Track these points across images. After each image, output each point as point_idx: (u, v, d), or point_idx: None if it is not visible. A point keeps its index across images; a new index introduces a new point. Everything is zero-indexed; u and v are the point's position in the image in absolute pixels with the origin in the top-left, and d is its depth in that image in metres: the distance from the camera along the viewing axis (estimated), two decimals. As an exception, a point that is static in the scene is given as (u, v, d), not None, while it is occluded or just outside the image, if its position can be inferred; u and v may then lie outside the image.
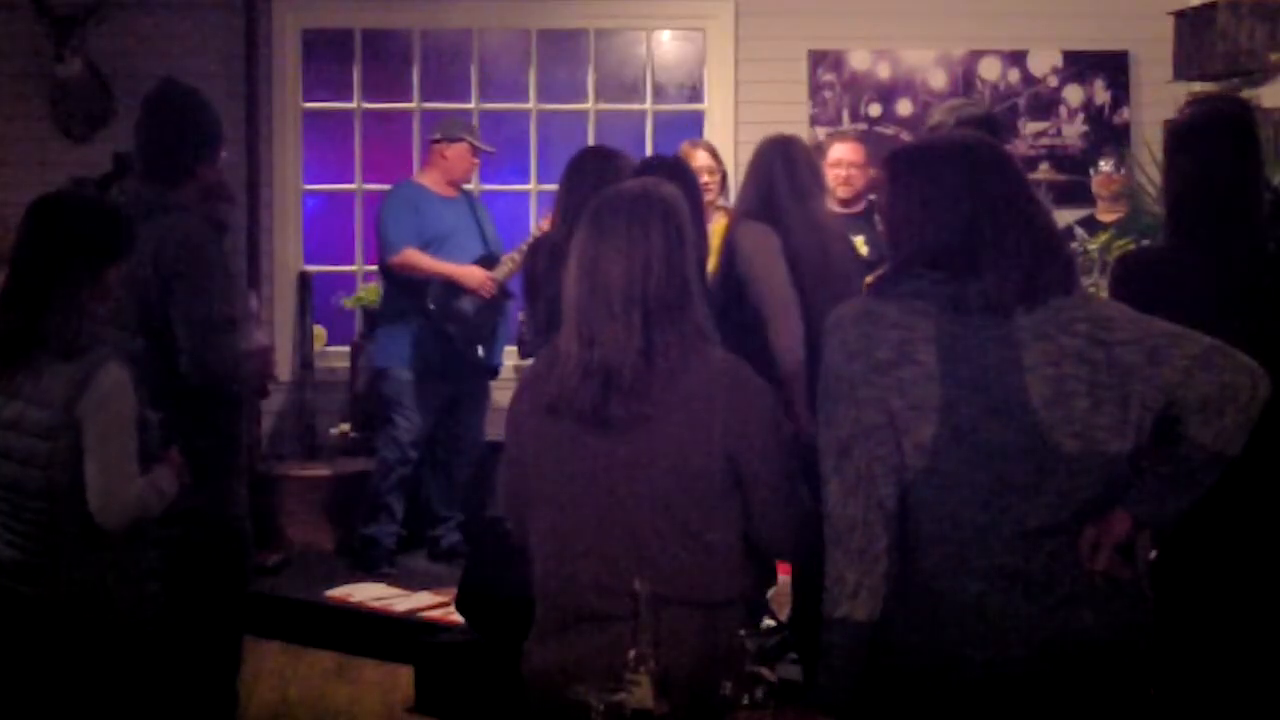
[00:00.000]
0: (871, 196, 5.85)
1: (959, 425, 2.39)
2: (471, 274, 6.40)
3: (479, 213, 6.68)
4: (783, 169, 4.53)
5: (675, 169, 3.87)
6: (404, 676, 5.26)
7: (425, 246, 6.38)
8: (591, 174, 4.17)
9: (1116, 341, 2.41)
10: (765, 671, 2.39)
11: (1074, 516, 2.40)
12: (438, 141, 6.64)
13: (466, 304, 6.40)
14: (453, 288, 6.36)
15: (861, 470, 2.41)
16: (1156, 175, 5.20)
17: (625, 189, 2.80)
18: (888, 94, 7.52)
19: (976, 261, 2.43)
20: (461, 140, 6.59)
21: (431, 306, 6.34)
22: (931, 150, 2.63)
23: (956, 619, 2.40)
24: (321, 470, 7.01)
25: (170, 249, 3.75)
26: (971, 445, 2.39)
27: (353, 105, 7.63)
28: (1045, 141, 7.55)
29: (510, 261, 6.40)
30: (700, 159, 5.95)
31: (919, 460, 2.40)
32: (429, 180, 6.63)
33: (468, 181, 6.80)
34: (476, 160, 6.71)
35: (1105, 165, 6.62)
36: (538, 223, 6.78)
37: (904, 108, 7.48)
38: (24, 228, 3.26)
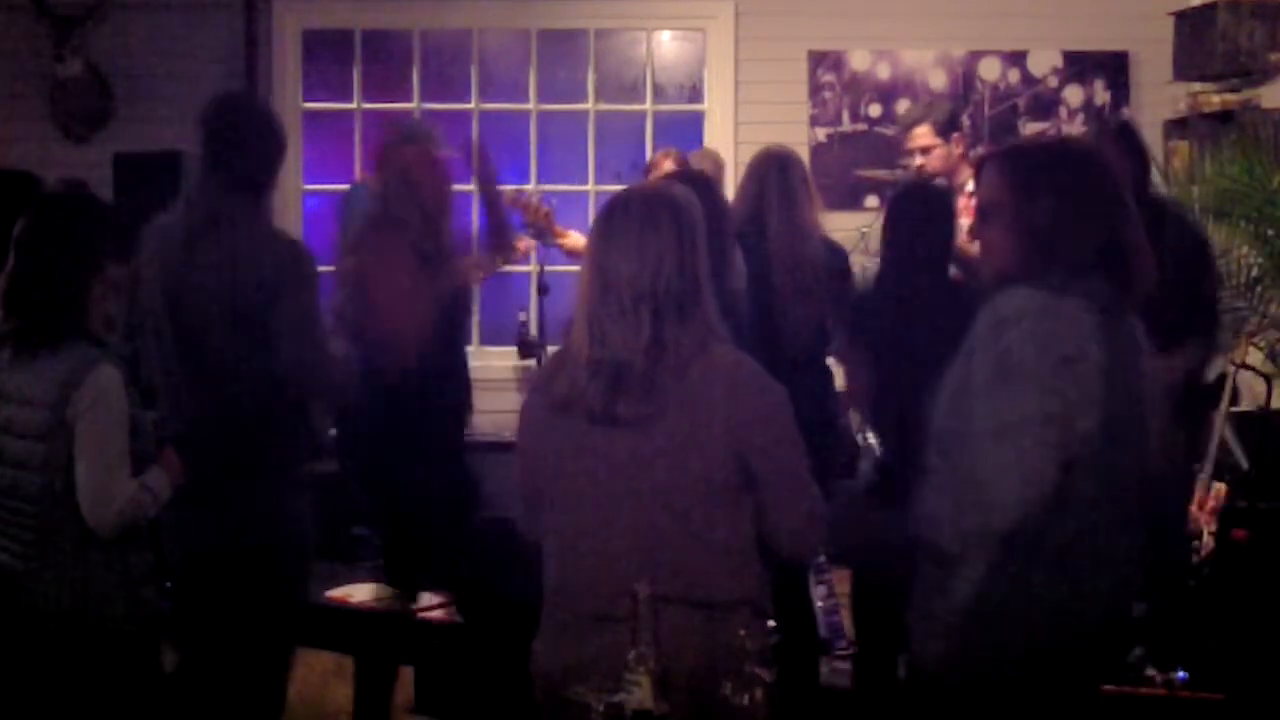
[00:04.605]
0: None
1: (1111, 418, 2.55)
2: None
3: None
4: (777, 176, 4.58)
5: (694, 179, 3.89)
6: (404, 676, 5.25)
7: None
8: None
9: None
10: (765, 672, 2.39)
11: None
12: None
13: None
14: None
15: (1025, 451, 2.51)
16: (1156, 174, 5.23)
17: (636, 190, 2.81)
18: (888, 94, 7.52)
19: (1125, 264, 2.59)
20: None
21: None
22: (1063, 154, 2.75)
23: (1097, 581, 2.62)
24: (321, 470, 6.98)
25: (275, 260, 3.75)
26: (1115, 439, 2.56)
27: (353, 105, 7.63)
28: (1045, 142, 7.55)
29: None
30: (665, 168, 5.78)
31: (1080, 447, 2.53)
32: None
33: None
34: None
35: None
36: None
37: (904, 108, 7.46)
38: (23, 227, 3.26)
